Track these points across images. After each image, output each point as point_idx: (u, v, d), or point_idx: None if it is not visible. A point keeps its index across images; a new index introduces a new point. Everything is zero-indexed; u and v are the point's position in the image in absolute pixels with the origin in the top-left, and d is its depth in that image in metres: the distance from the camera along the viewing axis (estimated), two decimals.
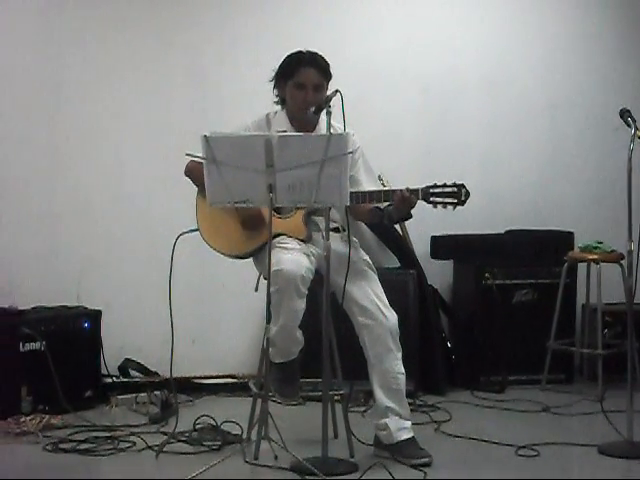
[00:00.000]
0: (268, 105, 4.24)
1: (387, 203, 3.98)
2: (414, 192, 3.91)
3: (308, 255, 4.03)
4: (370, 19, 5.78)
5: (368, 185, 4.13)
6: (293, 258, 3.92)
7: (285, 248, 3.97)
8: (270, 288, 3.84)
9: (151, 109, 5.52)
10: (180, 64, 5.57)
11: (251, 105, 4.48)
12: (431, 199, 3.93)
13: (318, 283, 4.01)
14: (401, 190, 3.91)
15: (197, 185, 4.15)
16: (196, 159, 3.85)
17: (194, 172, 4.07)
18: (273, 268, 3.83)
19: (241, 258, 4.20)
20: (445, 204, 3.93)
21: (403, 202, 3.90)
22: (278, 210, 4.08)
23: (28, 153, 5.37)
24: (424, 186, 3.93)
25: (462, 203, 3.93)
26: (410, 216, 4.07)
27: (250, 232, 4.12)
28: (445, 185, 3.93)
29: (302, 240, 4.09)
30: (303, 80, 4.09)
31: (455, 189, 3.93)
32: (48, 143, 5.41)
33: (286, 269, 3.86)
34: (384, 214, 4.04)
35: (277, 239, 4.01)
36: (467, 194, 3.93)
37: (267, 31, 5.59)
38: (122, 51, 5.49)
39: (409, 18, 5.82)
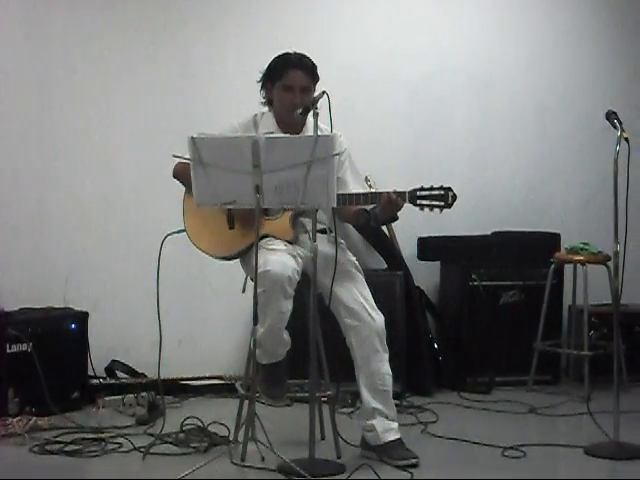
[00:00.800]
0: (255, 106, 4.24)
1: (373, 205, 3.98)
2: (401, 195, 3.91)
3: (295, 256, 4.03)
4: (358, 22, 5.78)
5: (355, 187, 4.12)
6: (280, 259, 3.92)
7: (272, 249, 3.97)
8: (257, 289, 3.82)
9: (139, 110, 5.51)
10: (168, 65, 5.56)
11: (238, 106, 4.48)
12: (418, 202, 3.92)
13: (305, 284, 4.01)
14: (388, 193, 3.90)
15: (185, 186, 4.14)
16: (183, 160, 3.86)
17: (182, 173, 4.07)
18: (260, 269, 3.82)
19: (228, 259, 4.19)
20: (432, 207, 3.92)
21: (390, 204, 3.90)
22: (265, 211, 4.07)
23: (15, 154, 5.36)
24: (411, 189, 3.93)
25: (449, 206, 3.91)
26: (396, 218, 4.08)
27: (237, 233, 4.12)
28: (432, 188, 3.92)
29: (289, 241, 4.08)
30: (290, 82, 4.09)
31: (442, 192, 3.91)
32: (35, 144, 5.39)
33: (273, 270, 3.85)
34: (370, 216, 4.03)
35: (264, 240, 4.00)
36: (454, 197, 3.92)
37: (255, 34, 5.58)
38: (110, 52, 5.48)
39: (397, 21, 5.83)
